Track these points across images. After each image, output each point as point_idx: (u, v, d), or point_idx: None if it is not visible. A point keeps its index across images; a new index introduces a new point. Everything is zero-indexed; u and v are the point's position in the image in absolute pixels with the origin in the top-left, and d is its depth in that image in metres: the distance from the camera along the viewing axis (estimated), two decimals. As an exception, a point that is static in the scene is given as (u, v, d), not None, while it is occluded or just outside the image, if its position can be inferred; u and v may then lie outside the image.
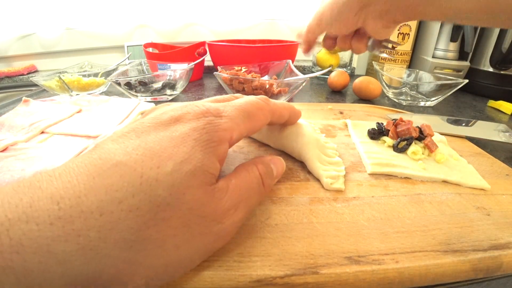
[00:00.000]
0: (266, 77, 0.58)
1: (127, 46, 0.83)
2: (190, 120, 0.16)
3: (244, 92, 0.49)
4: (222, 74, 0.49)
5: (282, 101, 0.50)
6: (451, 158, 0.30)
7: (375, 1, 0.30)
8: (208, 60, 0.75)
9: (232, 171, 0.19)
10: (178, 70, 0.55)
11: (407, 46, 0.71)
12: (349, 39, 0.38)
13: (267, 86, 0.48)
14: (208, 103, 0.19)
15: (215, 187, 0.16)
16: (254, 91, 0.48)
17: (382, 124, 0.34)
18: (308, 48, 0.41)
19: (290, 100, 0.52)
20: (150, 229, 0.13)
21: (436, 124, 0.39)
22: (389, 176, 0.27)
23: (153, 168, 0.14)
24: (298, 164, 0.29)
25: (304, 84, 0.49)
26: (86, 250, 0.12)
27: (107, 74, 0.60)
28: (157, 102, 0.54)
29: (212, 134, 0.16)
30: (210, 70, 0.84)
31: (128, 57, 0.76)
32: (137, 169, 0.13)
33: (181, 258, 0.15)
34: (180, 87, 0.56)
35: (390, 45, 0.39)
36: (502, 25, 0.27)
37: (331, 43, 0.40)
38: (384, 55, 0.42)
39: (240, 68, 0.57)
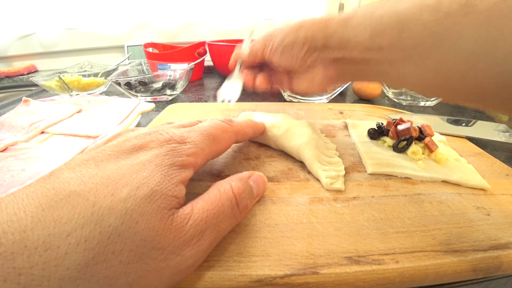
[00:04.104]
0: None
1: (127, 46, 0.83)
2: (153, 148, 0.16)
3: None
4: None
5: (322, 98, 0.53)
6: (451, 158, 0.30)
7: (329, 48, 0.26)
8: (208, 60, 0.75)
9: (206, 191, 0.17)
10: (178, 70, 0.55)
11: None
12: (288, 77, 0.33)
13: None
14: (172, 129, 0.18)
15: (176, 212, 0.14)
16: None
17: (382, 124, 0.34)
18: (233, 67, 0.39)
19: (332, 99, 0.55)
20: (98, 264, 0.12)
21: (436, 124, 0.39)
22: (389, 176, 0.27)
23: (107, 196, 0.13)
24: (298, 164, 0.29)
25: (347, 84, 0.53)
26: None
27: (107, 74, 0.60)
28: (157, 102, 0.54)
29: (174, 159, 0.16)
30: (210, 70, 0.84)
31: (128, 57, 0.76)
32: (90, 199, 0.12)
33: None
34: (180, 87, 0.56)
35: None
36: (469, 104, 0.21)
37: (252, 79, 0.36)
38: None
39: None
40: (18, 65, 0.83)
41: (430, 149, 0.29)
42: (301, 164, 0.28)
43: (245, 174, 0.20)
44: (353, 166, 0.29)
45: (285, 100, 0.55)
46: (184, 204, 0.16)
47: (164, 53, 0.74)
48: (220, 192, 0.17)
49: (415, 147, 0.29)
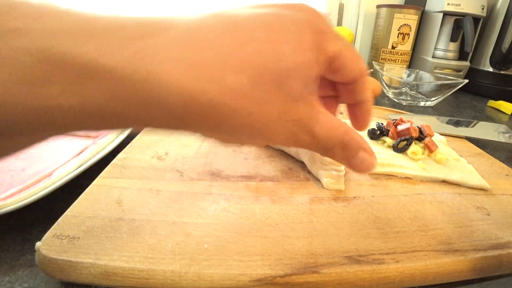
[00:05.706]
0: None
1: (127, 46, 0.83)
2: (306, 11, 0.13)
3: None
4: None
5: None
6: (451, 158, 0.30)
7: None
8: (208, 60, 0.75)
9: None
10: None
11: (407, 46, 0.71)
12: None
13: None
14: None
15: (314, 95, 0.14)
16: None
17: (382, 124, 0.34)
18: None
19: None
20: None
21: (436, 124, 0.39)
22: (389, 176, 0.27)
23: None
24: (298, 164, 0.29)
25: None
26: None
27: (107, 74, 0.60)
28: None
29: (320, 36, 0.13)
30: (210, 70, 0.84)
31: (128, 57, 0.76)
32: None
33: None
34: (180, 87, 0.56)
35: None
36: None
37: None
38: None
39: None
40: (18, 65, 0.83)
41: (430, 149, 0.29)
42: (301, 164, 0.28)
43: None
44: (353, 166, 0.29)
45: (285, 100, 0.55)
46: None
47: (164, 53, 0.74)
48: None
49: (415, 147, 0.29)
